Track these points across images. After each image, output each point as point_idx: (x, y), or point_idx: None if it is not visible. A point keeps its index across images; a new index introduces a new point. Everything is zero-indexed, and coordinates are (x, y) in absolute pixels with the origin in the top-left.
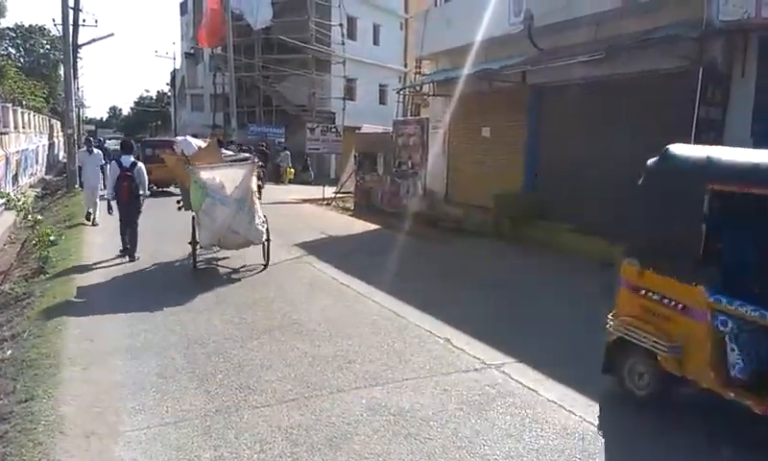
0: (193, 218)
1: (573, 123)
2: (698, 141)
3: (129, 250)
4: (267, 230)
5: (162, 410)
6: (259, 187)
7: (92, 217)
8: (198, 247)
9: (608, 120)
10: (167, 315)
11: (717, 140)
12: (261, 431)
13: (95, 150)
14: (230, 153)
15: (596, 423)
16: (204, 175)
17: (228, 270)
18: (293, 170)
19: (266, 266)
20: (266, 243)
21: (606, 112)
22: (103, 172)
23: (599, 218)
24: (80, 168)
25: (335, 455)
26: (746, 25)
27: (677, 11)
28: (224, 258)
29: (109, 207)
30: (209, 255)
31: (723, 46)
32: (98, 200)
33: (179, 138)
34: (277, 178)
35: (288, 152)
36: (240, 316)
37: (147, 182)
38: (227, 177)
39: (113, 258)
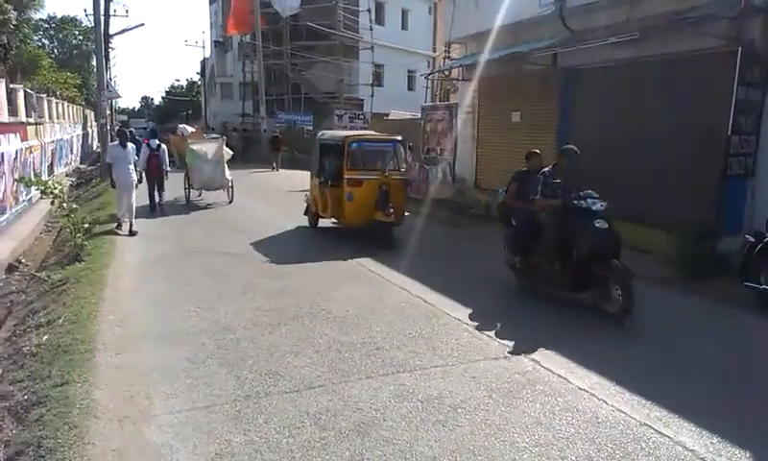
0: (185, 174)
1: (606, 106)
2: (736, 123)
3: (159, 204)
4: (231, 179)
5: (193, 395)
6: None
7: (129, 226)
8: (190, 189)
9: (642, 103)
10: (197, 302)
11: (756, 122)
12: (290, 416)
13: (129, 144)
14: (214, 135)
15: (627, 411)
16: (196, 147)
17: (207, 202)
18: None
19: (231, 202)
20: (231, 188)
21: (640, 95)
22: (147, 180)
23: (633, 203)
24: (110, 165)
25: (363, 441)
26: None
27: None
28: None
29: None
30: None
31: (762, 25)
32: (134, 203)
33: (180, 126)
34: None
35: None
36: (269, 303)
37: (168, 160)
38: (208, 147)
39: (143, 233)
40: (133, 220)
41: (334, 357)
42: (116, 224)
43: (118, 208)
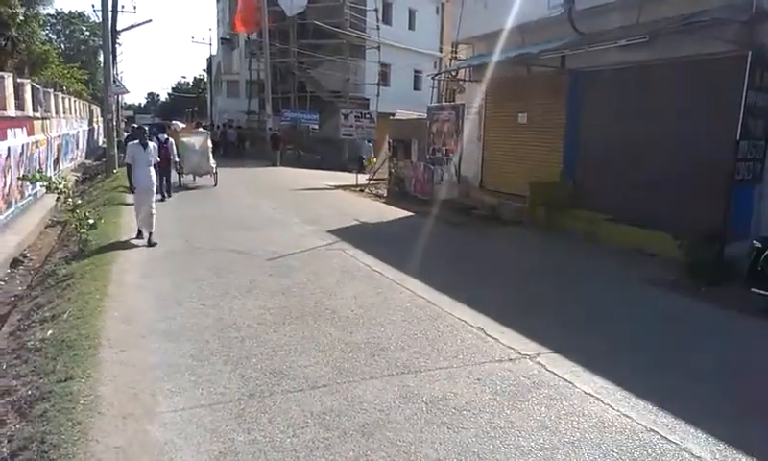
0: (177, 162)
1: (614, 109)
2: (745, 128)
3: (165, 193)
4: (216, 166)
5: (197, 393)
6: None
7: (149, 236)
8: (182, 174)
9: (650, 107)
10: (202, 299)
11: (765, 127)
12: (294, 416)
13: (150, 144)
14: (201, 130)
15: (633, 416)
16: (186, 139)
17: (196, 185)
18: (375, 159)
19: (215, 185)
20: (215, 174)
21: (648, 99)
22: (157, 171)
23: (640, 206)
24: (129, 166)
25: (367, 442)
26: None
27: None
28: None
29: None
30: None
31: None
32: (153, 210)
33: (173, 122)
34: (360, 168)
35: (371, 144)
36: (273, 301)
37: (176, 151)
38: (196, 140)
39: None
40: (153, 229)
41: (338, 357)
42: (136, 234)
43: (136, 215)
